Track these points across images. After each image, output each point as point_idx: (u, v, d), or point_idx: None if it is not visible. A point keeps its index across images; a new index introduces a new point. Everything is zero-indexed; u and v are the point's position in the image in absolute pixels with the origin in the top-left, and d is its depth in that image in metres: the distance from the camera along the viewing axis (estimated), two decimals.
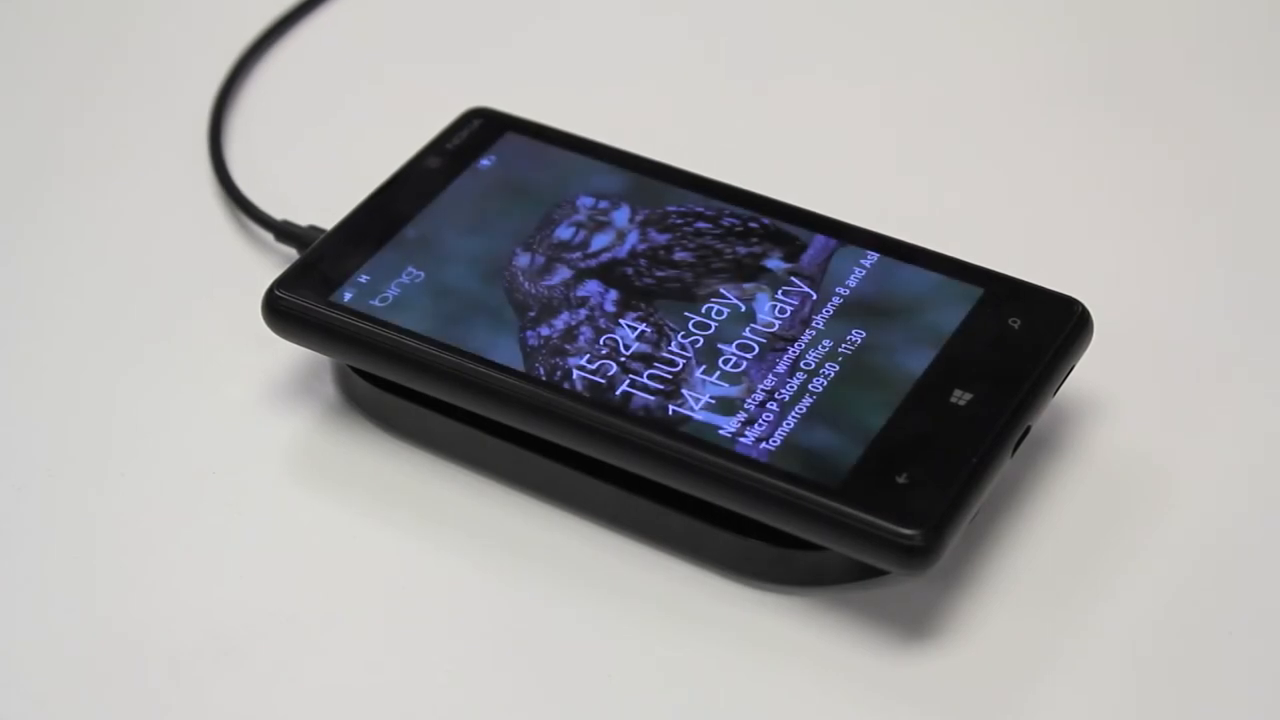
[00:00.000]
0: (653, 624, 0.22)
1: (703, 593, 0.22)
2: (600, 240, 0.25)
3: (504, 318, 0.24)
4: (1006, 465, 0.21)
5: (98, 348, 0.27)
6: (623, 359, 0.23)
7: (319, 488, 0.25)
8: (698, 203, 0.26)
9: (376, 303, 0.24)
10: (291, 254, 0.27)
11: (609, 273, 0.24)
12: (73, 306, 0.28)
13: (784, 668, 0.21)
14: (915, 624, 0.21)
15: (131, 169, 0.31)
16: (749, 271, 0.24)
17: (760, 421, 0.22)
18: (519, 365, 0.23)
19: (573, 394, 0.22)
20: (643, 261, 0.25)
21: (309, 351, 0.25)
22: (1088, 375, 0.24)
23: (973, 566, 0.22)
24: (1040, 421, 0.23)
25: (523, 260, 0.25)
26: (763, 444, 0.21)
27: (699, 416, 0.22)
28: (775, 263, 0.24)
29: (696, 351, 0.23)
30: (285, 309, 0.24)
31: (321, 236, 0.25)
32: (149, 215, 0.30)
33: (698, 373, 0.23)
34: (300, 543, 0.24)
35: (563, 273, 0.24)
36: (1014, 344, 0.23)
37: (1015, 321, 0.23)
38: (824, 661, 0.21)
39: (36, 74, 0.34)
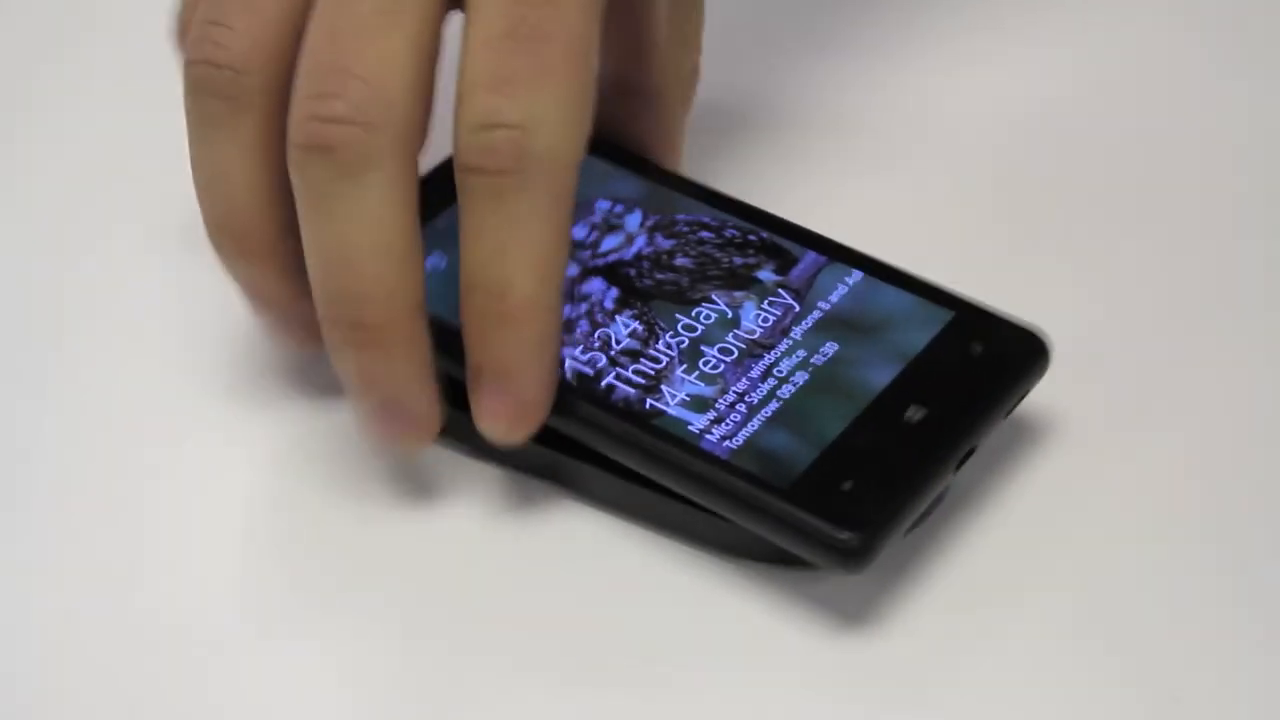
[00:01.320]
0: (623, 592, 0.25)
1: (686, 567, 0.24)
2: (610, 242, 0.27)
3: None
4: (949, 480, 0.23)
5: (120, 342, 0.30)
6: (612, 353, 0.25)
7: (327, 468, 0.27)
8: (705, 214, 0.28)
9: None
10: None
11: (613, 272, 0.27)
12: (103, 301, 0.30)
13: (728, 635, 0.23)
14: (849, 614, 0.23)
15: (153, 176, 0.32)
16: (742, 281, 0.26)
17: (727, 421, 0.24)
18: None
19: (562, 382, 0.24)
20: (645, 264, 0.27)
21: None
22: (1044, 398, 0.25)
23: (915, 567, 0.24)
24: (994, 439, 0.24)
25: None
26: (725, 442, 0.23)
27: (672, 412, 0.24)
28: (767, 274, 0.26)
29: (681, 351, 0.25)
30: None
31: None
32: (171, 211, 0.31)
33: (678, 371, 0.25)
34: (310, 525, 0.26)
35: (571, 269, 0.27)
36: (973, 369, 0.24)
37: (978, 347, 0.25)
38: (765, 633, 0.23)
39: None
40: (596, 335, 0.25)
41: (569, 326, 0.25)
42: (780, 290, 0.26)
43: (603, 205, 0.28)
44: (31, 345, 0.30)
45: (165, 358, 0.29)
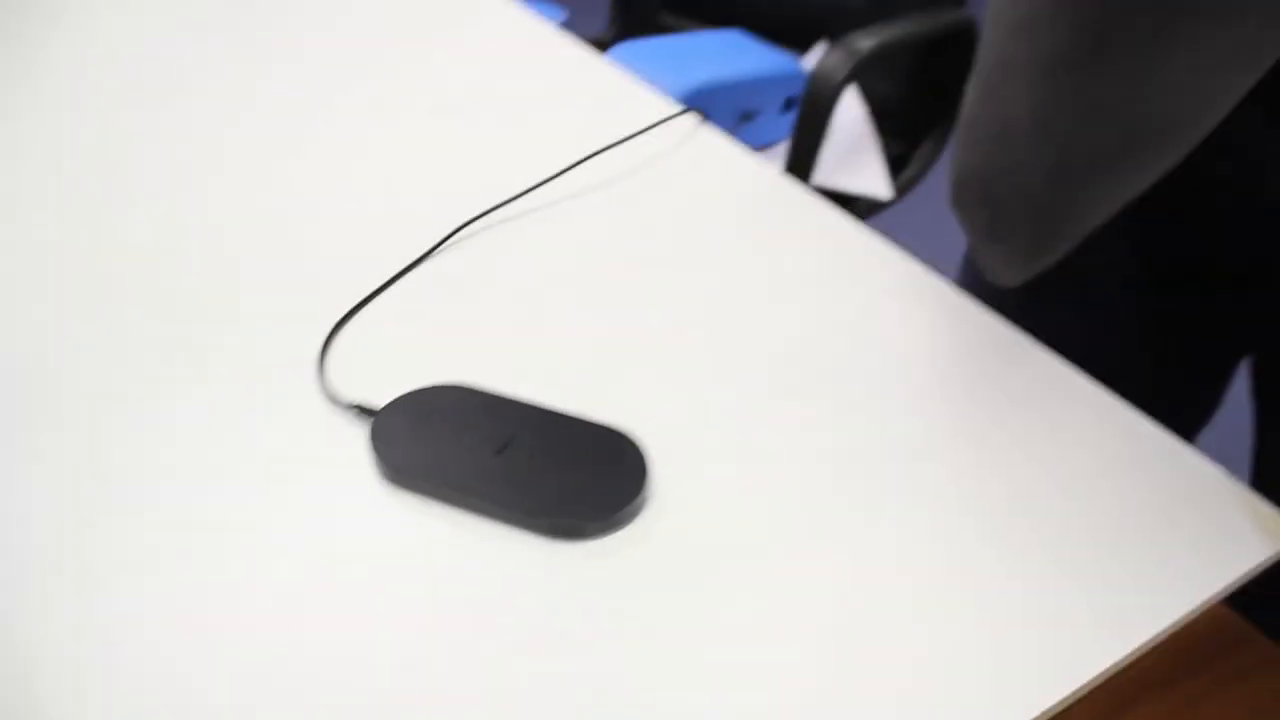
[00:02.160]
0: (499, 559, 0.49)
1: (527, 542, 0.49)
2: None
3: None
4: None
5: (251, 457, 0.52)
6: None
7: (366, 515, 0.50)
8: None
9: None
10: (351, 415, 0.54)
11: None
12: (244, 438, 0.53)
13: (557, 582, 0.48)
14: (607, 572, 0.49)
15: (281, 371, 0.56)
16: None
17: None
18: None
19: None
20: None
21: (370, 450, 0.52)
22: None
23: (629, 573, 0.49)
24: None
25: None
26: None
27: None
28: None
29: None
30: None
31: None
32: (287, 400, 0.55)
33: None
34: (359, 540, 0.49)
35: None
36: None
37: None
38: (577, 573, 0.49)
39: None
40: None
41: None
42: None
43: None
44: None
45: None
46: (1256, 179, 0.61)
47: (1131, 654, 0.46)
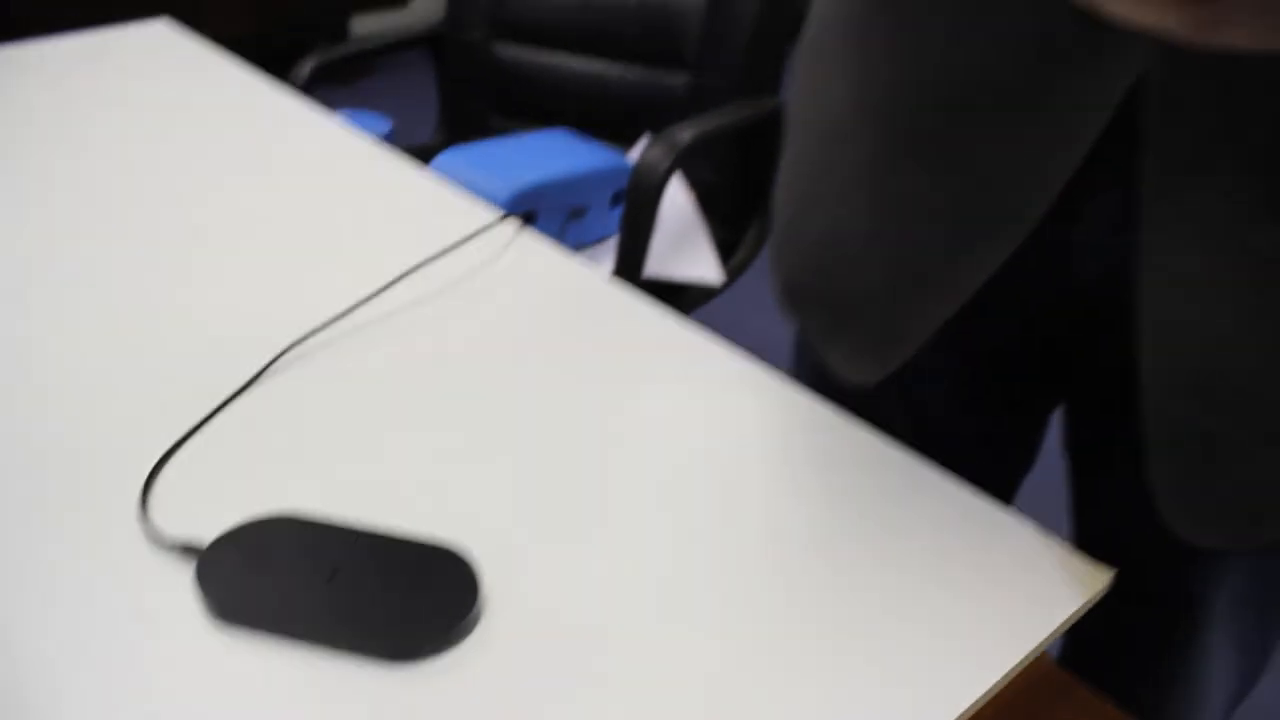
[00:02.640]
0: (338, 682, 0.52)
1: (364, 669, 0.51)
2: None
3: None
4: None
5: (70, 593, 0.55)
6: None
7: (195, 659, 0.50)
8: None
9: None
10: (176, 555, 0.54)
11: None
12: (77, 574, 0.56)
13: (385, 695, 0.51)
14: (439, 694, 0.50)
15: (101, 516, 0.57)
16: None
17: None
18: None
19: None
20: None
21: (196, 590, 0.51)
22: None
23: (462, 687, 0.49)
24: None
25: None
26: None
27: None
28: None
29: None
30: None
31: None
32: (116, 538, 0.56)
33: None
34: (189, 686, 0.51)
35: None
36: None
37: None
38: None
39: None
40: None
41: None
42: None
43: None
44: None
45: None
46: (1064, 262, 0.65)
47: (965, 712, 0.47)
